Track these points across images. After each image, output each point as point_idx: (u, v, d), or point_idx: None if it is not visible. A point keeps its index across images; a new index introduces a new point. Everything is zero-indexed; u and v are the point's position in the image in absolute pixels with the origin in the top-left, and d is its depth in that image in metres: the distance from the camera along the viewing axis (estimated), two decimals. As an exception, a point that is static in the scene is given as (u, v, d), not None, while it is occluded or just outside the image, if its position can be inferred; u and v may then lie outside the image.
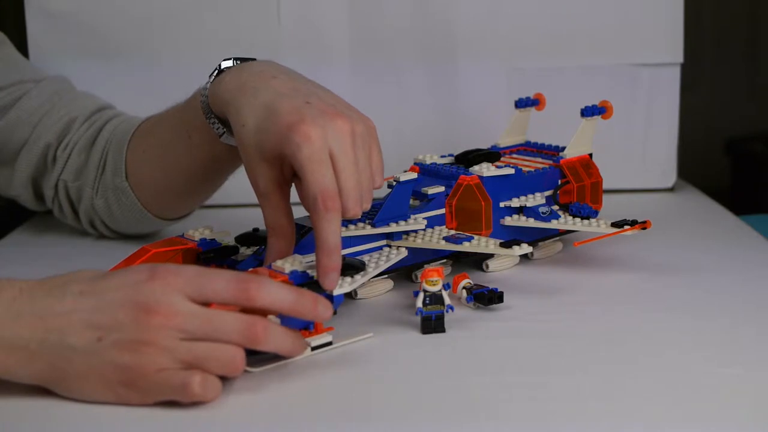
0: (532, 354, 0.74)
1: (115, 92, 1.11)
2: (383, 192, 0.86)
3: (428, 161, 0.97)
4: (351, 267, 0.77)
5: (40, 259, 1.01)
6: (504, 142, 1.05)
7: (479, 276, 0.91)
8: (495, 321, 0.80)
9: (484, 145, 1.04)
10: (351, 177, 0.74)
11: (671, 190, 1.25)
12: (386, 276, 0.87)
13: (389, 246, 0.87)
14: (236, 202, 1.13)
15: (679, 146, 1.25)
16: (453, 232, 0.89)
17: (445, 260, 0.90)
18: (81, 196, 1.03)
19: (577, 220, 0.91)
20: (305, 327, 0.73)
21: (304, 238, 0.82)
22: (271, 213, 0.78)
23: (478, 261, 0.92)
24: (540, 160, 1.00)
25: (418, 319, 0.78)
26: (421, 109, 1.22)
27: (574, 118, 0.98)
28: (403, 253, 0.85)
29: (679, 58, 1.22)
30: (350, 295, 0.85)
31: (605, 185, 0.98)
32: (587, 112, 0.98)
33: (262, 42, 1.19)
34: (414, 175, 0.87)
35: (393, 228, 0.86)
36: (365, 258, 0.83)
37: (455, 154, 0.98)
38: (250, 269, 0.77)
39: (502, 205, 0.92)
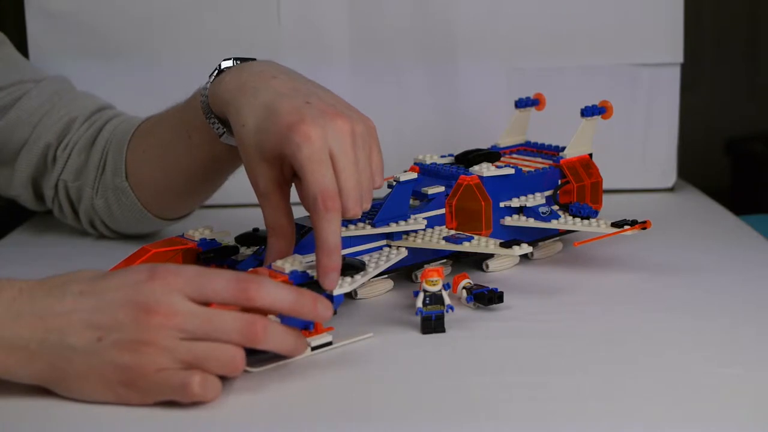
0: (532, 354, 0.74)
1: (115, 92, 1.11)
2: (383, 192, 0.86)
3: (428, 161, 0.97)
4: (351, 267, 0.77)
5: (40, 259, 1.01)
6: (504, 142, 1.05)
7: (479, 276, 0.91)
8: (495, 321, 0.80)
9: (484, 145, 1.04)
10: (351, 177, 0.74)
11: (671, 190, 1.25)
12: (386, 276, 0.87)
13: (389, 246, 0.87)
14: (236, 202, 1.13)
15: (679, 146, 1.25)
16: (453, 232, 0.89)
17: (445, 260, 0.90)
18: (81, 196, 1.03)
19: (577, 220, 0.91)
20: (305, 327, 0.73)
21: (304, 238, 0.82)
22: (271, 213, 0.78)
23: (478, 261, 0.92)
24: (540, 160, 1.00)
25: (418, 319, 0.78)
26: (421, 109, 1.22)
27: (574, 118, 0.98)
28: (403, 253, 0.85)
29: (679, 58, 1.22)
30: (350, 295, 0.85)
31: (605, 185, 0.98)
32: (587, 112, 0.98)
33: (262, 42, 1.19)
34: (414, 175, 0.87)
35: (393, 228, 0.86)
36: (365, 258, 0.83)
37: (455, 154, 0.98)
38: (250, 269, 0.77)
39: (502, 205, 0.92)
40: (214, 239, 0.84)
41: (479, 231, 0.89)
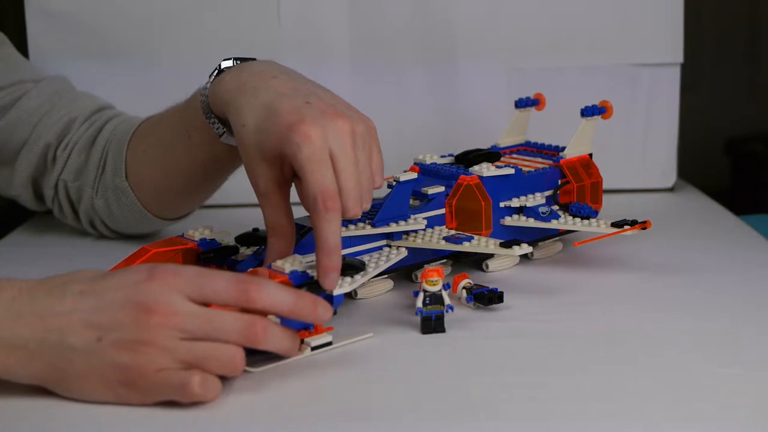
0: (532, 354, 0.74)
1: (115, 92, 1.11)
2: (383, 192, 0.86)
3: (428, 161, 0.97)
4: (351, 267, 0.77)
5: (40, 259, 1.01)
6: (504, 142, 1.05)
7: (479, 276, 0.91)
8: (495, 321, 0.80)
9: (484, 145, 1.04)
10: (351, 177, 0.74)
11: (671, 190, 1.25)
12: (386, 276, 0.87)
13: (389, 246, 0.87)
14: (236, 202, 1.13)
15: (679, 146, 1.25)
16: (453, 232, 0.89)
17: (445, 260, 0.90)
18: (81, 196, 1.03)
19: (577, 220, 0.91)
20: (305, 327, 0.73)
21: (304, 238, 0.82)
22: (271, 213, 0.78)
23: (478, 261, 0.92)
24: (540, 160, 1.00)
25: (418, 319, 0.78)
26: (421, 109, 1.22)
27: (574, 118, 0.98)
28: (403, 253, 0.85)
29: (679, 58, 1.22)
30: (350, 295, 0.85)
31: (605, 185, 0.98)
32: (587, 112, 0.98)
33: (262, 42, 1.19)
34: (414, 175, 0.87)
35: (393, 228, 0.86)
36: (365, 258, 0.83)
37: (455, 154, 0.98)
38: (250, 269, 0.77)
39: (502, 205, 0.92)
40: (214, 239, 0.84)
41: (479, 231, 0.89)
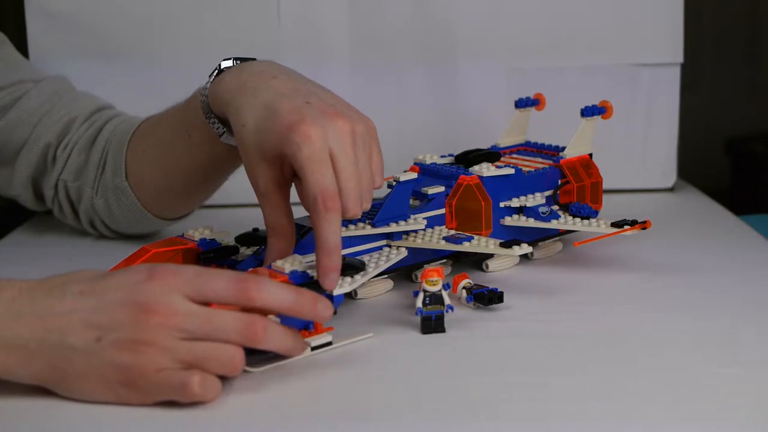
0: (532, 354, 0.74)
1: (115, 92, 1.11)
2: (383, 192, 0.86)
3: (428, 161, 0.97)
4: (351, 267, 0.77)
5: (40, 259, 1.01)
6: (504, 142, 1.05)
7: (479, 276, 0.91)
8: (495, 321, 0.80)
9: (484, 145, 1.04)
10: (351, 177, 0.74)
11: (671, 190, 1.25)
12: (386, 276, 0.87)
13: (389, 246, 0.87)
14: (236, 202, 1.13)
15: (679, 146, 1.25)
16: (453, 232, 0.89)
17: (445, 260, 0.90)
18: (81, 196, 1.03)
19: (577, 220, 0.91)
20: (305, 327, 0.73)
21: (304, 238, 0.82)
22: (271, 213, 0.78)
23: (478, 261, 0.92)
24: (540, 160, 1.00)
25: (418, 319, 0.78)
26: (421, 109, 1.22)
27: (574, 118, 0.98)
28: (403, 253, 0.85)
29: (679, 58, 1.22)
30: (350, 295, 0.85)
31: (605, 185, 0.98)
32: (587, 112, 0.98)
33: (262, 42, 1.19)
34: (414, 175, 0.87)
35: (393, 228, 0.86)
36: (365, 258, 0.83)
37: (455, 154, 0.98)
38: (250, 269, 0.77)
39: (502, 205, 0.92)
40: (214, 239, 0.84)
41: (479, 231, 0.89)
